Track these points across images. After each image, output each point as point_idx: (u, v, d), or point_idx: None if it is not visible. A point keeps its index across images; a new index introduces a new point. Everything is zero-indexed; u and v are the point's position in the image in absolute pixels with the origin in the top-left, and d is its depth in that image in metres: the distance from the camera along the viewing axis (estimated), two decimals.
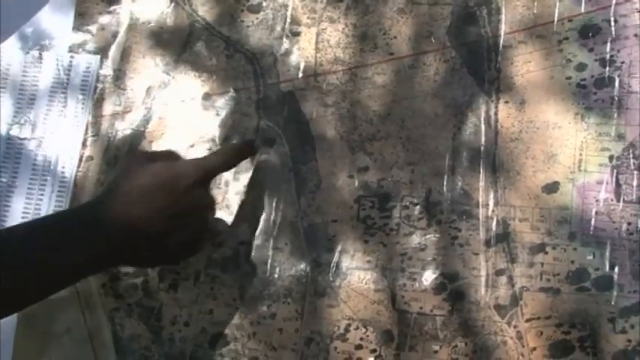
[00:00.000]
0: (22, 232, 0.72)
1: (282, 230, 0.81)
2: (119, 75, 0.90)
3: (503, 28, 0.82)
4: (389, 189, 0.80)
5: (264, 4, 0.88)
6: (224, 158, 0.80)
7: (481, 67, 0.81)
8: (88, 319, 0.83)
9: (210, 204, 0.79)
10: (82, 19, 0.92)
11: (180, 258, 0.80)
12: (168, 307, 0.82)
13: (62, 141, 0.89)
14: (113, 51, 0.90)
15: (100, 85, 0.90)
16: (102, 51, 0.91)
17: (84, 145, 0.89)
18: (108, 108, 0.90)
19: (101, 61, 0.91)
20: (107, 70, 0.91)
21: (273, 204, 0.82)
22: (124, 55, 0.90)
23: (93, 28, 0.92)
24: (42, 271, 0.69)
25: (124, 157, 0.86)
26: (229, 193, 0.83)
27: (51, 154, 0.89)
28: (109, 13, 0.91)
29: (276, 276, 0.80)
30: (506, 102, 0.80)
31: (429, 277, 0.77)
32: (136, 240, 0.72)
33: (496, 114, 0.80)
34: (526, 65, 0.80)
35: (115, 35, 0.91)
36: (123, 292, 0.83)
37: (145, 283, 0.83)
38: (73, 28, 0.92)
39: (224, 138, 0.86)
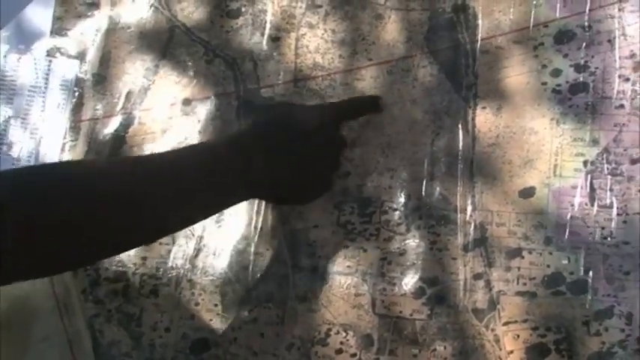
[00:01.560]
0: (162, 164, 0.71)
1: (264, 236, 0.82)
2: (98, 80, 0.90)
3: (481, 34, 0.83)
4: (369, 194, 0.81)
5: (244, 9, 0.88)
6: (351, 105, 0.82)
7: (459, 73, 0.82)
8: (68, 326, 0.82)
9: (341, 144, 0.80)
10: (60, 23, 0.91)
11: (310, 196, 0.81)
12: (148, 313, 0.82)
13: (41, 145, 0.89)
14: (92, 55, 0.90)
15: (78, 90, 0.90)
16: (81, 55, 0.90)
17: (63, 149, 0.89)
18: (87, 113, 0.90)
19: (80, 66, 0.91)
20: (86, 74, 0.90)
21: (254, 209, 0.83)
22: (104, 60, 0.90)
23: (71, 32, 0.91)
24: (185, 201, 0.69)
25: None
26: None
27: (29, 158, 0.89)
28: (88, 17, 0.91)
29: (257, 281, 0.81)
30: (484, 107, 0.81)
31: (408, 281, 0.78)
32: (272, 171, 0.74)
33: (473, 119, 0.81)
34: (503, 71, 0.81)
35: (94, 40, 0.90)
36: (103, 298, 0.83)
37: (126, 288, 0.83)
38: (52, 33, 0.91)
39: None
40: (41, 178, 0.63)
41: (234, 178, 0.72)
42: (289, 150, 0.75)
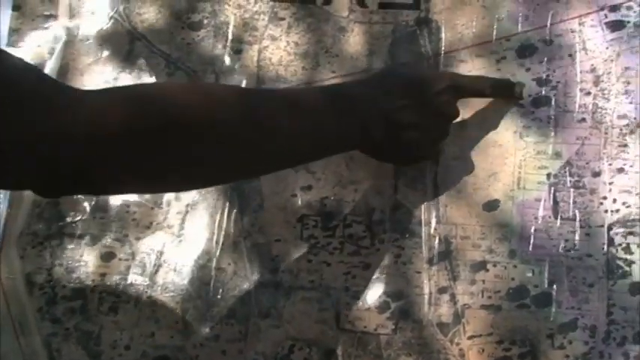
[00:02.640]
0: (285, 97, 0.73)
1: (225, 250, 0.81)
2: None
3: (444, 47, 0.83)
4: (332, 208, 0.80)
5: (206, 21, 0.87)
6: (480, 82, 0.80)
7: None
8: (24, 346, 0.80)
9: (455, 114, 0.78)
10: (17, 35, 0.89)
11: (415, 157, 0.79)
12: (108, 331, 0.80)
13: None
14: (50, 68, 0.88)
15: None
16: (38, 67, 0.89)
17: None
18: None
19: None
20: None
21: (216, 224, 0.81)
22: (62, 72, 0.88)
23: (28, 44, 0.90)
24: (303, 136, 0.70)
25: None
26: (171, 212, 0.82)
27: None
28: (45, 29, 0.89)
29: (219, 297, 0.80)
30: None
31: (372, 295, 0.78)
32: (383, 124, 0.73)
33: None
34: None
35: (51, 52, 0.89)
36: (60, 317, 0.81)
37: (84, 306, 0.81)
38: (8, 45, 0.89)
39: None
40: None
41: (354, 122, 0.72)
42: (411, 107, 0.74)
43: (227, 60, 0.86)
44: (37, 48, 0.89)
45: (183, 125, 0.63)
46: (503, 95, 0.80)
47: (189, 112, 0.63)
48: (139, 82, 0.86)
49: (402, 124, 0.73)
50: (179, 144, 0.63)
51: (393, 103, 0.73)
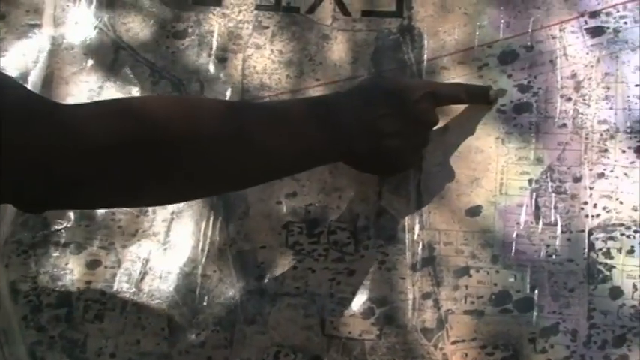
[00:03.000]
0: (263, 112, 0.73)
1: (211, 257, 0.81)
2: None
3: (426, 55, 0.84)
4: (317, 215, 0.81)
5: (190, 30, 0.88)
6: (455, 89, 0.81)
7: None
8: (8, 354, 0.80)
9: (434, 121, 0.79)
10: (1, 44, 0.89)
11: (397, 166, 0.80)
12: (93, 338, 0.80)
13: None
14: (34, 76, 0.88)
15: None
16: (23, 76, 0.89)
17: None
18: None
19: None
20: None
21: (201, 231, 0.82)
22: (46, 82, 0.88)
23: (13, 53, 0.90)
24: (278, 151, 0.71)
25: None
26: (156, 220, 0.82)
27: None
28: (30, 38, 0.89)
29: (204, 304, 0.80)
30: None
31: (357, 301, 0.78)
32: (365, 134, 0.74)
33: None
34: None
35: (36, 61, 0.89)
36: (45, 324, 0.81)
37: (69, 314, 0.81)
38: None
39: None
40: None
41: (336, 133, 0.73)
42: (391, 115, 0.74)
43: (212, 68, 0.87)
44: (21, 57, 0.89)
45: (166, 140, 0.64)
46: (479, 101, 0.81)
47: (171, 127, 0.64)
48: (124, 91, 0.87)
49: (383, 133, 0.74)
50: (161, 159, 0.64)
51: (374, 112, 0.74)
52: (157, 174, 0.64)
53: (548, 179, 0.78)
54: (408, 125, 0.75)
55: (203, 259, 0.81)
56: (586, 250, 0.76)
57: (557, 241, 0.76)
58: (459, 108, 0.81)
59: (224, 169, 0.68)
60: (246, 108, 0.75)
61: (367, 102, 0.74)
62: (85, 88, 0.88)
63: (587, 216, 0.76)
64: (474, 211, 0.78)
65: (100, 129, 0.61)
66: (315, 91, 0.84)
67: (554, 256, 0.76)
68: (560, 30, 0.82)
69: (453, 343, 0.75)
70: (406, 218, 0.79)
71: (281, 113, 0.72)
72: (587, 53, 0.81)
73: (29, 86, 0.88)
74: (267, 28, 0.87)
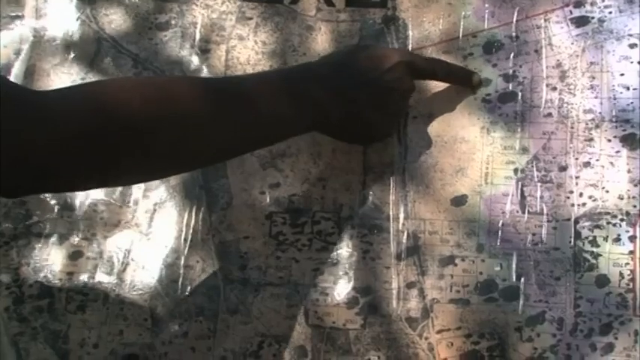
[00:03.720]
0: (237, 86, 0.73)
1: (194, 248, 0.80)
2: None
3: (411, 45, 0.83)
4: (300, 205, 0.80)
5: (173, 21, 0.87)
6: (434, 63, 0.81)
7: None
8: None
9: (411, 88, 0.79)
10: None
11: (370, 136, 0.79)
12: (75, 330, 0.80)
13: None
14: (16, 68, 0.88)
15: None
16: (5, 68, 0.88)
17: None
18: None
19: None
20: None
21: (184, 222, 0.81)
22: (28, 73, 0.88)
23: None
24: (258, 120, 0.71)
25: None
26: (139, 211, 0.82)
27: None
28: (12, 30, 0.89)
29: (187, 294, 0.79)
30: (415, 117, 0.81)
31: (341, 291, 0.78)
32: (338, 102, 0.73)
33: (405, 129, 0.81)
34: (433, 81, 0.81)
35: (18, 52, 0.89)
36: (27, 316, 0.80)
37: (51, 305, 0.80)
38: None
39: None
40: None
41: (306, 103, 0.73)
42: (363, 83, 0.74)
43: (195, 60, 0.86)
44: (3, 49, 0.89)
45: (139, 121, 0.63)
46: (458, 82, 0.81)
47: (144, 109, 0.64)
48: None
49: (356, 101, 0.74)
50: (137, 142, 0.63)
51: (348, 81, 0.74)
52: (132, 157, 0.64)
53: (534, 168, 0.78)
54: (382, 93, 0.75)
55: (186, 250, 0.81)
56: (572, 238, 0.75)
57: (543, 230, 0.76)
58: (444, 97, 0.81)
59: (198, 147, 0.68)
60: (219, 84, 0.75)
61: (340, 70, 0.74)
62: (68, 79, 0.87)
63: (573, 205, 0.76)
64: (460, 201, 0.78)
65: (75, 115, 0.61)
66: None
67: (540, 245, 0.76)
68: (545, 20, 0.82)
69: (439, 332, 0.75)
70: (391, 208, 0.79)
71: (252, 87, 0.72)
72: (573, 43, 0.81)
73: (11, 78, 0.88)
74: (250, 19, 0.86)
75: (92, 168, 0.63)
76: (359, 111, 0.75)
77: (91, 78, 0.87)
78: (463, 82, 0.81)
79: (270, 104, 0.71)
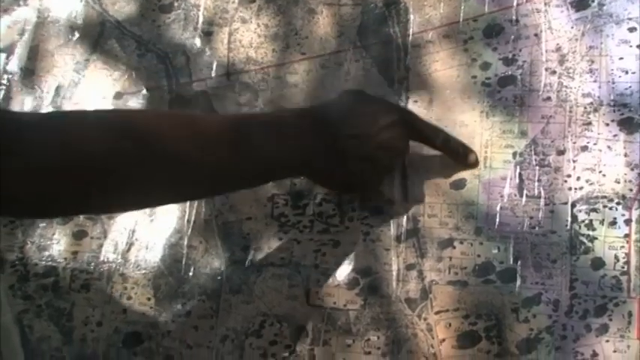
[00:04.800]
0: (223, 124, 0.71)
1: (197, 229, 0.82)
2: (27, 73, 0.89)
3: (412, 29, 0.84)
4: (302, 187, 0.81)
5: (176, 4, 0.88)
6: (435, 130, 0.78)
7: (391, 67, 0.83)
8: None
9: (404, 149, 0.77)
10: None
11: (353, 187, 0.78)
12: (79, 308, 0.81)
13: None
14: (20, 49, 0.89)
15: (6, 84, 0.89)
16: (8, 49, 0.89)
17: None
18: (16, 106, 0.88)
19: (7, 59, 0.89)
20: (14, 68, 0.89)
21: (187, 202, 0.82)
22: (32, 54, 0.88)
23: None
24: (242, 160, 0.69)
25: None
26: None
27: None
28: (15, 10, 0.90)
29: (190, 274, 0.80)
30: (415, 101, 0.82)
31: (342, 272, 0.79)
32: (333, 149, 0.72)
33: None
34: (434, 64, 0.82)
35: (22, 33, 0.89)
36: (32, 294, 0.82)
37: (56, 283, 0.82)
38: None
39: None
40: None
41: (295, 149, 0.71)
42: (354, 136, 0.73)
43: (197, 42, 0.87)
44: (7, 29, 0.90)
45: (105, 160, 0.63)
46: (454, 156, 0.79)
47: (116, 148, 0.64)
48: (109, 64, 0.87)
49: (348, 153, 0.73)
50: (102, 179, 0.63)
51: (342, 132, 0.72)
52: (102, 193, 0.64)
53: (532, 152, 0.78)
54: (372, 149, 0.74)
55: (189, 230, 0.82)
56: (569, 222, 0.76)
57: (541, 214, 0.77)
58: (444, 81, 0.81)
59: (168, 189, 0.68)
60: (203, 122, 0.72)
61: (334, 121, 0.73)
62: (71, 61, 0.88)
63: (570, 188, 0.77)
64: (458, 184, 0.79)
65: (42, 148, 0.61)
66: (301, 65, 0.85)
67: (537, 228, 0.76)
68: (545, 3, 0.82)
69: (437, 313, 0.76)
70: (392, 191, 0.80)
71: (240, 128, 0.71)
72: (572, 27, 0.81)
73: (15, 59, 0.89)
74: (253, 2, 0.87)
75: (61, 199, 0.63)
76: (350, 163, 0.73)
77: (95, 59, 0.87)
78: (460, 158, 0.79)
79: (259, 147, 0.70)
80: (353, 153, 0.73)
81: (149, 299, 0.81)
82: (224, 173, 0.69)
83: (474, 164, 0.79)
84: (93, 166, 0.62)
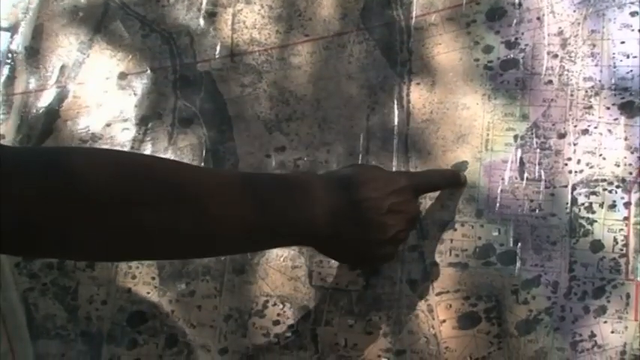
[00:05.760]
0: (231, 180, 0.69)
1: None
2: (31, 53, 0.89)
3: (415, 11, 0.84)
4: (305, 168, 0.82)
5: None
6: (433, 176, 0.79)
7: (394, 49, 0.83)
8: (1, 300, 0.81)
9: (415, 216, 0.76)
10: None
11: (374, 258, 0.76)
12: (84, 286, 0.82)
13: None
14: (24, 28, 0.89)
15: (10, 63, 0.89)
16: (12, 28, 0.89)
17: None
18: (20, 86, 0.88)
19: (12, 39, 0.89)
20: (18, 47, 0.89)
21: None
22: (36, 33, 0.88)
23: (3, 4, 0.90)
24: (245, 224, 0.67)
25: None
26: None
27: None
28: None
29: None
30: (418, 83, 0.82)
31: None
32: (344, 222, 0.70)
33: (408, 95, 0.82)
34: (436, 47, 0.83)
35: (26, 12, 0.89)
36: (37, 272, 0.82)
37: (61, 262, 0.82)
38: None
39: (140, 117, 0.86)
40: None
41: (303, 215, 0.69)
42: (363, 200, 0.71)
43: (201, 23, 0.87)
44: (11, 8, 0.89)
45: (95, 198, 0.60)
46: (452, 185, 0.79)
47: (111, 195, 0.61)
48: (114, 44, 0.87)
49: (353, 220, 0.71)
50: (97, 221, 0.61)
51: (347, 197, 0.71)
52: (85, 233, 0.61)
53: (534, 135, 0.79)
54: (383, 215, 0.72)
55: None
56: (569, 204, 0.77)
57: (541, 196, 0.77)
58: (446, 64, 0.82)
59: (163, 242, 0.65)
60: (200, 187, 0.67)
61: (344, 185, 0.71)
62: (75, 40, 0.88)
63: (570, 171, 0.78)
64: (460, 167, 0.80)
65: (29, 190, 0.58)
66: (304, 46, 0.85)
67: (537, 211, 0.77)
68: None
69: (438, 294, 0.77)
70: None
71: (251, 187, 0.69)
72: (574, 10, 0.81)
73: (19, 39, 0.89)
74: None
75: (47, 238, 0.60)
76: (350, 230, 0.71)
77: (99, 40, 0.87)
78: (455, 183, 0.79)
79: (265, 200, 0.68)
80: (365, 217, 0.71)
81: (153, 279, 0.81)
82: (224, 244, 0.68)
83: (465, 182, 0.79)
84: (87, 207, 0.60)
